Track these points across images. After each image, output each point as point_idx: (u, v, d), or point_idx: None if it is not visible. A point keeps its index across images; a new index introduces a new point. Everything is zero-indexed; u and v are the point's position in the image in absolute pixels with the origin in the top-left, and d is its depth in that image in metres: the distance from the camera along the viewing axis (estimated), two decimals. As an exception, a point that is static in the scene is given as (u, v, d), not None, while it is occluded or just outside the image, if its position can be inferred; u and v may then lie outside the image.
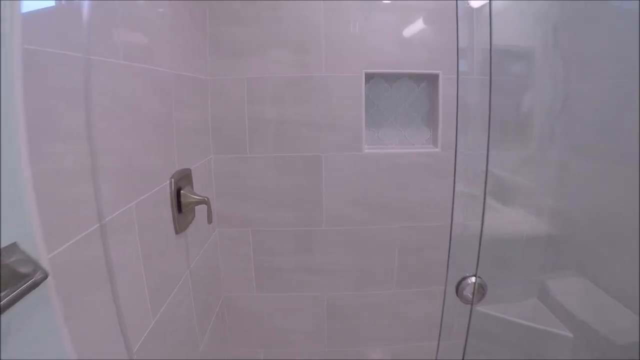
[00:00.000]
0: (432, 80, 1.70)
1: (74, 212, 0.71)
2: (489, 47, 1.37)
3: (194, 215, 1.35)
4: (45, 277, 0.55)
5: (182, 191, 1.21)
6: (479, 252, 1.09)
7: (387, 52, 1.63)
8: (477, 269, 1.11)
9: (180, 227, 1.22)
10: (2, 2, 0.55)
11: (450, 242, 1.30)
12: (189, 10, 1.39)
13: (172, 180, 1.16)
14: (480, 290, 1.10)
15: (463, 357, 1.20)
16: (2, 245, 0.54)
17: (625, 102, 1.42)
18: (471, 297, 1.09)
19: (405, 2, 1.61)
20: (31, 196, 0.60)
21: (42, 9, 0.64)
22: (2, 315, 0.49)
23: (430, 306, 1.84)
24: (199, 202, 1.25)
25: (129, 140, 0.92)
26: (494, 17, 1.73)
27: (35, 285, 0.53)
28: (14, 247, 0.57)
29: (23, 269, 0.55)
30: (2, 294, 0.50)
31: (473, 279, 1.11)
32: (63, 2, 0.70)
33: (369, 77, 1.68)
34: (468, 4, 1.78)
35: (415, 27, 1.64)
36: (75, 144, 0.72)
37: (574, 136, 1.70)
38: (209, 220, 1.26)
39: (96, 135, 0.77)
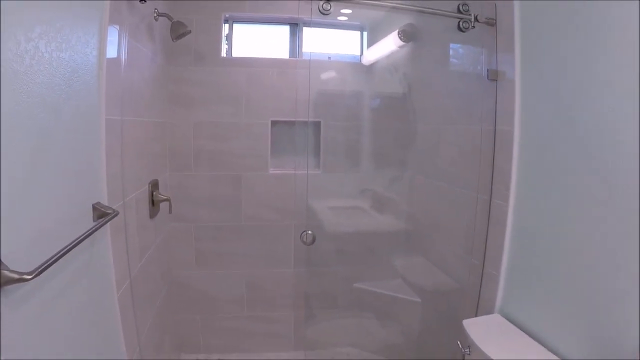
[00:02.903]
0: (316, 125, 2.60)
1: (114, 191, 1.46)
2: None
3: (159, 210, 2.09)
4: (117, 214, 1.31)
5: (154, 192, 1.96)
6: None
7: (286, 107, 2.49)
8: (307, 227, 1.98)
9: (152, 214, 1.97)
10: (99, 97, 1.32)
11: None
12: (158, 76, 2.16)
13: (149, 185, 1.93)
14: (312, 236, 1.97)
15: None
16: (95, 202, 1.29)
17: (439, 139, 2.36)
18: (306, 240, 1.96)
19: (299, 72, 2.50)
20: (103, 182, 1.36)
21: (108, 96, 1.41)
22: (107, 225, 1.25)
23: (319, 283, 2.68)
24: (164, 200, 2.01)
25: (134, 160, 1.69)
26: (378, 75, 2.63)
27: (115, 215, 1.29)
28: (99, 203, 1.32)
29: (107, 211, 1.30)
30: (101, 221, 1.25)
31: (309, 232, 1.97)
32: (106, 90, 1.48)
33: (275, 123, 2.54)
34: (361, 63, 2.72)
35: (307, 89, 2.52)
36: (116, 160, 1.48)
37: (417, 162, 2.61)
38: (170, 211, 2.03)
39: (124, 157, 1.54)
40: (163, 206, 2.11)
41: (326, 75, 2.64)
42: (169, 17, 1.91)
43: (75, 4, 1.13)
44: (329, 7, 1.61)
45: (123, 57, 1.50)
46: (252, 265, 2.61)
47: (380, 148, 2.69)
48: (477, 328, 1.57)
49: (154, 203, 1.96)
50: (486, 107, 1.77)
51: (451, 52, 2.16)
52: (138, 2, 1.51)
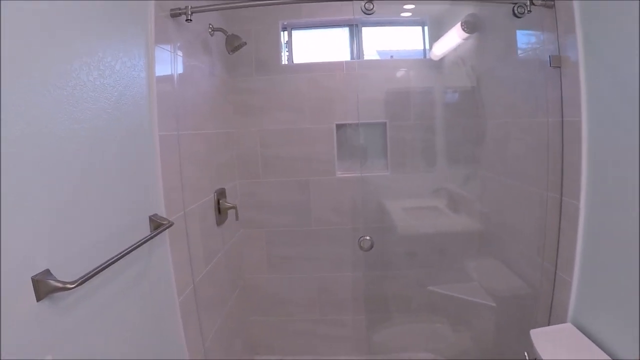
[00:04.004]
0: (382, 126, 2.54)
1: (174, 202, 1.56)
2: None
3: (227, 217, 2.19)
4: (172, 224, 1.39)
5: (220, 200, 2.06)
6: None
7: (351, 110, 2.46)
8: (368, 234, 1.92)
9: (219, 222, 2.07)
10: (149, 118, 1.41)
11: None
12: (219, 88, 2.26)
13: (215, 193, 2.02)
14: (369, 242, 1.91)
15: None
16: (151, 214, 1.39)
17: (507, 134, 2.19)
18: (364, 246, 1.91)
19: (360, 72, 2.46)
20: (160, 195, 1.45)
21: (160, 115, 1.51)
22: (164, 233, 1.34)
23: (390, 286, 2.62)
24: (230, 207, 2.10)
25: (195, 171, 1.79)
26: (446, 69, 2.52)
27: (170, 226, 1.37)
28: (156, 215, 1.42)
29: (163, 222, 1.39)
30: (157, 231, 1.34)
31: (367, 237, 1.91)
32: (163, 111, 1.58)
33: (340, 126, 2.53)
34: (429, 58, 2.63)
35: (371, 90, 2.49)
36: (175, 173, 1.58)
37: (488, 159, 2.46)
38: (237, 218, 2.11)
39: (182, 170, 1.63)
40: (232, 213, 2.20)
41: (389, 74, 2.57)
42: (224, 32, 1.99)
43: (116, 33, 1.22)
44: (371, 7, 1.56)
45: (175, 75, 1.60)
46: (322, 268, 2.62)
47: (450, 145, 2.55)
48: (546, 339, 1.41)
49: (220, 211, 2.05)
50: (551, 97, 1.59)
51: (513, 40, 1.98)
52: (185, 21, 1.59)
